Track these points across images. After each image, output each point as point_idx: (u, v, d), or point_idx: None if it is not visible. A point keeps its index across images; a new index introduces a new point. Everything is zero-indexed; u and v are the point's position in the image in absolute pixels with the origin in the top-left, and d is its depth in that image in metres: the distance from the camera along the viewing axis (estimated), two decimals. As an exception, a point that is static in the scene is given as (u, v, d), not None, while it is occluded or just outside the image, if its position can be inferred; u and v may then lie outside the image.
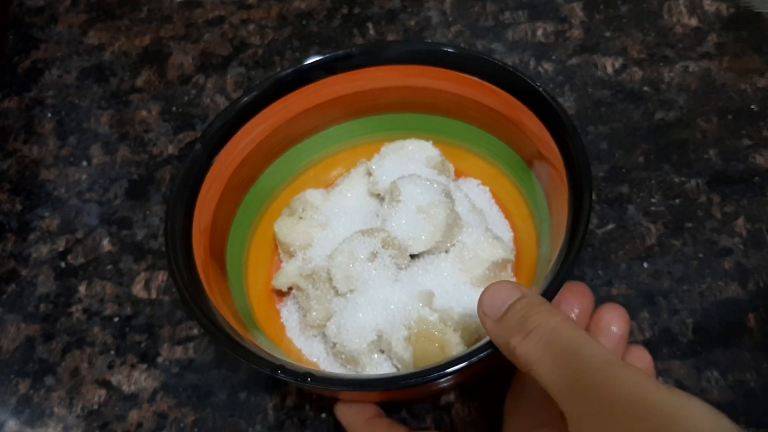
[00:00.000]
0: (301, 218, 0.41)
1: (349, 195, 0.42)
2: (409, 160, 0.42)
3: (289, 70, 0.41)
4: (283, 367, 0.31)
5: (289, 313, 0.41)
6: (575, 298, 0.33)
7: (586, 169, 0.34)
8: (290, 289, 0.41)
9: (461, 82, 0.40)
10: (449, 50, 0.40)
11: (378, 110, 0.43)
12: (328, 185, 0.44)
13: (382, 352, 0.37)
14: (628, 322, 0.33)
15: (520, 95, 0.38)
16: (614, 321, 0.33)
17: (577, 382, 0.25)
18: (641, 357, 0.33)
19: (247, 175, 0.41)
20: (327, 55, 0.41)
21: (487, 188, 0.43)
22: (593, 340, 0.26)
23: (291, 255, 0.41)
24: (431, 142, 0.43)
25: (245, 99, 0.40)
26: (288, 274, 0.40)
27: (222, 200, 0.39)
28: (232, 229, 0.40)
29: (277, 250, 0.43)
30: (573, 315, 0.33)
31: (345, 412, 0.35)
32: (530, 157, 0.39)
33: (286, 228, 0.41)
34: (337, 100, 0.42)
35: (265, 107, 0.41)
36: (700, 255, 0.42)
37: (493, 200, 0.43)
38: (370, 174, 0.42)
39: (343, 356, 0.37)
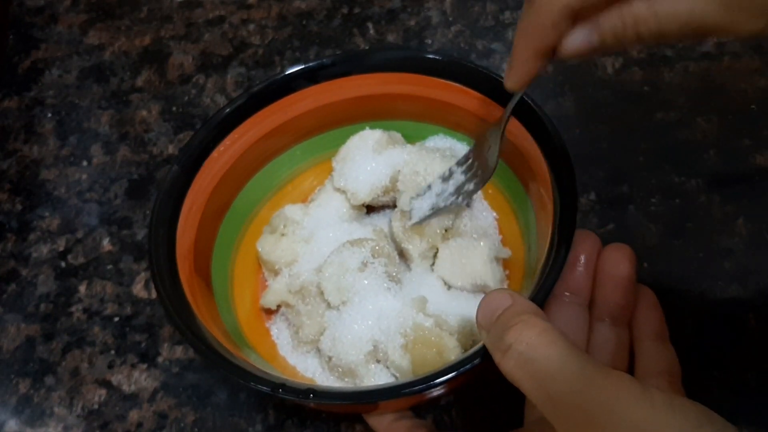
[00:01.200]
0: (283, 235, 0.41)
1: (329, 206, 0.42)
2: (361, 151, 0.42)
3: (264, 83, 0.40)
4: (284, 385, 0.31)
5: (279, 331, 0.40)
6: (580, 246, 0.34)
7: (569, 173, 0.34)
8: (279, 306, 0.41)
9: (441, 87, 0.40)
10: (430, 57, 0.40)
11: (356, 119, 0.43)
12: (307, 198, 0.44)
13: (378, 362, 0.37)
14: (634, 261, 0.34)
15: (503, 100, 0.38)
16: (619, 261, 0.34)
17: (559, 402, 0.24)
18: (646, 295, 0.35)
19: (226, 193, 0.41)
20: (304, 66, 0.41)
21: None
22: (574, 352, 0.25)
23: (276, 273, 0.41)
24: (379, 130, 0.42)
25: (220, 116, 0.40)
26: (276, 291, 0.40)
27: (203, 221, 0.39)
28: (215, 250, 0.40)
29: (261, 268, 0.42)
30: (581, 264, 0.34)
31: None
32: (515, 162, 0.39)
33: (269, 246, 0.41)
34: (314, 112, 0.42)
35: (241, 123, 0.40)
36: (700, 255, 0.42)
37: (483, 201, 0.43)
38: (338, 187, 0.42)
39: (340, 369, 0.37)
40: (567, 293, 0.35)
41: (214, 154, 0.39)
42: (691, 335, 0.39)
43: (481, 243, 0.38)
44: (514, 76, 0.32)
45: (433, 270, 0.39)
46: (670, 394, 0.23)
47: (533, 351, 0.26)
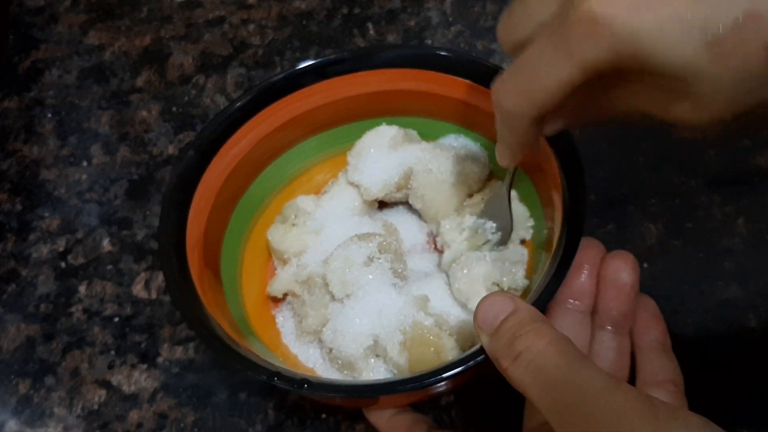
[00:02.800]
0: (294, 225, 0.41)
1: (341, 199, 0.42)
2: (376, 147, 0.42)
3: (280, 76, 0.41)
4: (279, 374, 0.31)
5: (284, 320, 0.41)
6: (583, 253, 0.34)
7: (579, 172, 0.34)
8: (285, 295, 0.41)
9: (454, 84, 0.40)
10: (442, 53, 0.40)
11: (371, 114, 0.43)
12: (320, 191, 0.44)
13: (378, 357, 0.37)
14: (637, 269, 0.34)
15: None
16: (622, 269, 0.34)
17: (567, 412, 0.24)
18: (647, 305, 0.35)
19: (239, 182, 0.41)
20: (318, 60, 0.41)
21: None
22: (583, 362, 0.25)
23: (285, 262, 0.41)
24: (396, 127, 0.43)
25: (236, 105, 0.40)
26: (283, 280, 0.40)
27: (215, 208, 0.39)
28: (226, 237, 0.40)
29: (271, 257, 0.42)
30: (585, 270, 0.34)
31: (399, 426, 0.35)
32: (525, 158, 0.39)
33: (279, 235, 0.41)
34: (329, 105, 0.42)
35: (255, 113, 0.40)
36: (700, 255, 0.42)
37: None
38: (352, 182, 0.42)
39: (340, 362, 0.37)
40: (570, 300, 0.35)
41: (230, 142, 0.39)
42: (691, 335, 0.39)
43: (497, 281, 0.37)
44: (505, 160, 0.33)
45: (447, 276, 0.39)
46: (674, 406, 0.24)
47: (544, 359, 0.26)
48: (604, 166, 0.46)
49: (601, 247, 0.35)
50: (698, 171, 0.45)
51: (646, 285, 0.41)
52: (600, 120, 0.30)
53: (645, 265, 0.42)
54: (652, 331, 0.34)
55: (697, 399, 0.33)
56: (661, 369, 0.33)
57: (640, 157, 0.46)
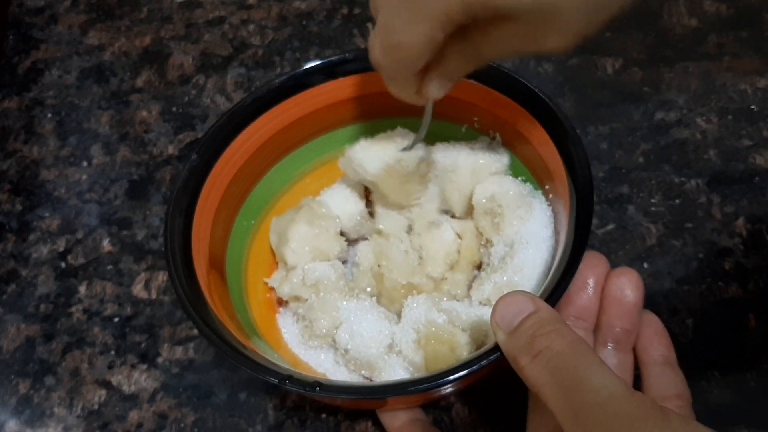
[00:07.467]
0: None
1: (342, 199, 0.42)
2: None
3: (284, 77, 0.41)
4: (291, 377, 0.31)
5: (288, 324, 0.40)
6: (589, 270, 0.34)
7: (586, 170, 0.34)
8: (288, 301, 0.41)
9: (459, 85, 0.40)
10: None
11: (375, 116, 0.43)
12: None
13: (396, 354, 0.37)
14: (641, 287, 0.34)
15: (519, 98, 0.38)
16: (626, 286, 0.34)
17: (580, 413, 0.24)
18: (651, 321, 0.35)
19: (244, 183, 0.41)
20: (325, 60, 0.41)
21: None
22: (600, 366, 0.26)
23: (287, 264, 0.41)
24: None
25: (241, 106, 0.40)
26: (291, 283, 0.40)
27: (220, 210, 0.39)
28: (231, 238, 0.40)
29: (276, 258, 0.42)
30: (589, 288, 0.34)
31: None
32: (530, 159, 0.39)
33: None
34: (335, 106, 0.42)
35: (261, 114, 0.40)
36: (700, 255, 0.42)
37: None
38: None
39: (358, 362, 0.37)
40: (572, 317, 0.35)
41: (233, 145, 0.39)
42: (691, 335, 0.39)
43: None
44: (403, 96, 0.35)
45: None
46: (686, 417, 0.24)
47: (563, 360, 0.26)
48: (604, 166, 0.46)
49: (606, 263, 0.35)
50: (698, 171, 0.45)
51: (646, 285, 0.41)
52: (480, 66, 0.32)
53: (645, 265, 0.42)
54: (657, 346, 0.34)
55: (697, 398, 0.33)
56: (667, 384, 0.33)
57: (640, 158, 0.46)
